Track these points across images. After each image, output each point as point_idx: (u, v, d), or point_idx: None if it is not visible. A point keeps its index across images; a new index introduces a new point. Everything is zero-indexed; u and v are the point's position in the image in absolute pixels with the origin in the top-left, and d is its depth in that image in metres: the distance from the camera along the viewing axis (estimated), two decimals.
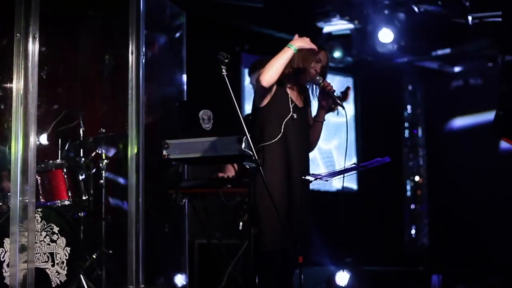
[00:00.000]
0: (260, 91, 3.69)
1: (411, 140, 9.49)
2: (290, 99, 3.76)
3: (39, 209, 4.38)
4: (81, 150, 5.39)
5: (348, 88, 3.92)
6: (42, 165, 4.70)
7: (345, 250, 6.04)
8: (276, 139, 3.70)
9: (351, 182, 8.81)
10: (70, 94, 5.98)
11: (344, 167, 3.66)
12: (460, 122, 8.95)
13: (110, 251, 5.31)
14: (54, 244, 4.42)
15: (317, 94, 3.87)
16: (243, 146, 3.88)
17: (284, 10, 7.21)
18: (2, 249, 4.15)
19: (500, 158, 8.19)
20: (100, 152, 5.42)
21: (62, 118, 5.61)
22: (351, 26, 7.68)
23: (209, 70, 3.89)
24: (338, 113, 3.83)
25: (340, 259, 5.99)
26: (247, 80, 7.03)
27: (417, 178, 9.38)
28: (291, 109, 3.75)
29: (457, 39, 7.93)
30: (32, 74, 3.78)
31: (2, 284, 4.07)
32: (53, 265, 4.40)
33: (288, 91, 3.79)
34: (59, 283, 4.38)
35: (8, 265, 4.06)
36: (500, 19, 6.94)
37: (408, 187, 9.37)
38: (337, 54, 7.76)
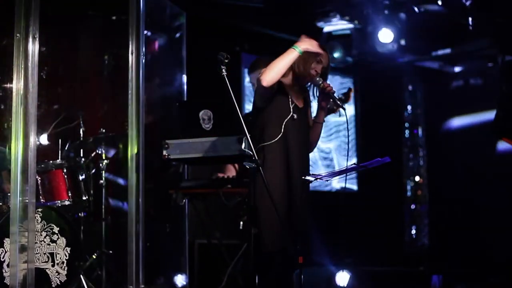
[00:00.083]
0: (260, 90, 3.69)
1: (411, 140, 9.49)
2: (290, 100, 3.76)
3: (39, 209, 4.38)
4: (81, 150, 5.39)
5: (350, 89, 3.91)
6: (42, 165, 4.70)
7: (345, 250, 6.03)
8: (276, 139, 3.70)
9: (351, 182, 8.81)
10: (70, 94, 5.98)
11: (345, 167, 3.66)
12: (460, 122, 8.95)
13: (110, 251, 5.31)
14: (54, 244, 4.42)
15: (317, 95, 3.86)
16: (243, 146, 3.88)
17: (284, 10, 7.21)
18: (2, 249, 4.15)
19: (500, 158, 8.19)
20: (100, 152, 5.42)
21: (62, 119, 5.62)
22: (351, 26, 7.68)
23: (209, 70, 3.88)
24: (340, 115, 3.82)
25: (340, 259, 5.99)
26: (247, 80, 7.03)
27: (417, 178, 9.38)
28: (291, 110, 3.75)
29: (457, 39, 7.93)
30: (32, 74, 3.78)
31: (2, 284, 4.07)
32: (53, 265, 4.40)
33: (289, 91, 3.79)
34: (59, 283, 4.38)
35: (8, 265, 4.06)
36: (500, 19, 6.94)
37: (408, 187, 9.37)
38: (337, 54, 7.76)
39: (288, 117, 3.73)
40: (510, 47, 7.30)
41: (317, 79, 3.77)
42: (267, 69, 3.62)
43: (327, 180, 3.77)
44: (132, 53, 4.81)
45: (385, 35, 7.43)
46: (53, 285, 4.36)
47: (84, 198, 5.07)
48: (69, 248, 4.44)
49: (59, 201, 4.73)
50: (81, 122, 5.41)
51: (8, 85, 3.98)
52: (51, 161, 4.81)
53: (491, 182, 7.93)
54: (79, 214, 5.14)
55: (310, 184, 3.85)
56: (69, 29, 5.91)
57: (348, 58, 7.95)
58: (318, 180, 3.87)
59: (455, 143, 8.71)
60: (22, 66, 3.77)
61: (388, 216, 8.70)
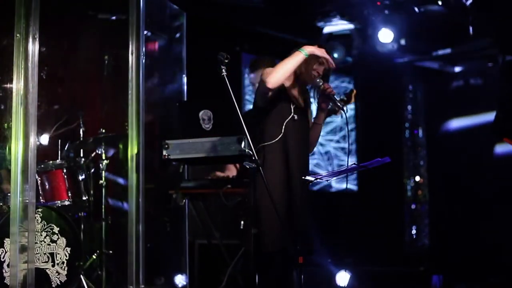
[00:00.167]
0: (263, 90, 3.68)
1: (412, 140, 9.49)
2: (291, 100, 3.76)
3: (39, 210, 4.38)
4: (81, 150, 5.39)
5: (352, 90, 3.90)
6: (42, 166, 4.70)
7: (346, 250, 6.03)
8: (276, 140, 3.70)
9: (351, 182, 8.81)
10: (70, 94, 5.98)
11: (345, 167, 3.66)
12: (460, 122, 8.95)
13: (110, 252, 5.30)
14: (54, 244, 4.42)
15: (318, 97, 3.86)
16: (243, 146, 3.88)
17: (284, 10, 7.21)
18: (3, 249, 4.15)
19: (500, 158, 8.19)
20: (100, 152, 5.41)
21: (62, 119, 5.62)
22: (351, 26, 7.68)
23: (209, 70, 3.88)
24: (342, 116, 3.82)
25: (341, 259, 5.99)
26: (247, 80, 7.03)
27: (417, 178, 9.38)
28: (292, 110, 3.75)
29: (457, 39, 7.93)
30: (32, 75, 3.78)
31: (3, 284, 4.07)
32: (53, 265, 4.40)
33: (290, 92, 3.79)
34: (59, 283, 4.38)
35: (8, 265, 4.06)
36: (500, 19, 6.94)
37: (409, 187, 9.37)
38: (337, 54, 7.75)
39: (289, 118, 3.74)
40: (510, 47, 7.29)
41: (318, 80, 3.77)
42: (272, 70, 3.62)
43: (327, 180, 3.77)
44: (132, 53, 4.81)
45: (385, 35, 7.43)
46: (53, 285, 4.36)
47: (84, 198, 5.07)
48: (69, 248, 4.44)
49: (59, 201, 4.74)
50: (81, 122, 5.41)
51: (8, 85, 3.98)
52: (51, 161, 4.81)
53: (492, 182, 7.93)
54: (79, 214, 5.14)
55: (312, 184, 3.85)
56: (69, 29, 5.91)
57: (348, 58, 7.95)
58: (317, 180, 3.87)
59: (455, 143, 8.70)
60: (22, 66, 3.77)
61: (388, 216, 8.70)
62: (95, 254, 5.25)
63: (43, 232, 4.38)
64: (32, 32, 3.79)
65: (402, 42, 7.67)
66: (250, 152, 3.47)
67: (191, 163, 4.99)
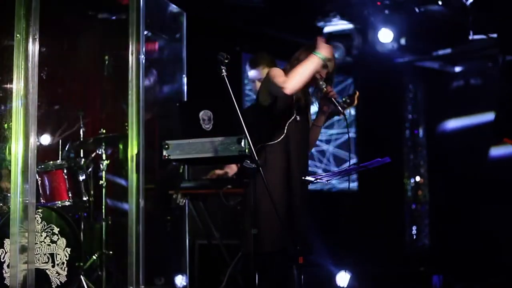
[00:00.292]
0: (271, 88, 3.66)
1: (412, 140, 9.49)
2: (294, 101, 3.75)
3: (39, 210, 4.38)
4: (81, 150, 5.39)
5: (355, 92, 3.89)
6: (42, 166, 4.70)
7: (346, 250, 6.03)
8: (278, 140, 3.70)
9: (351, 182, 8.81)
10: (70, 94, 5.98)
11: (346, 167, 3.66)
12: (460, 122, 8.95)
13: (111, 252, 5.30)
14: (55, 245, 4.42)
15: (319, 99, 3.86)
16: (243, 145, 3.87)
17: (284, 10, 7.20)
18: (3, 250, 4.15)
19: (500, 158, 8.19)
20: (100, 152, 5.41)
21: (62, 119, 5.62)
22: (351, 26, 7.68)
23: (209, 70, 3.88)
24: (344, 119, 3.81)
25: (341, 259, 5.99)
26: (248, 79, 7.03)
27: (417, 178, 9.38)
28: (295, 111, 3.75)
29: (458, 39, 7.93)
30: (32, 75, 3.78)
31: (3, 285, 4.07)
32: (53, 266, 4.40)
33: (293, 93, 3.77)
34: (59, 284, 4.38)
35: (8, 266, 4.06)
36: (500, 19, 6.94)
37: (409, 187, 9.37)
38: (337, 54, 7.75)
39: (291, 119, 3.73)
40: (510, 47, 7.29)
41: (321, 83, 3.75)
42: (290, 77, 3.58)
43: (327, 181, 3.77)
44: (132, 53, 4.81)
45: (385, 35, 7.43)
46: (53, 286, 4.36)
47: (84, 198, 5.07)
48: (69, 249, 4.44)
49: (59, 202, 4.74)
50: (81, 122, 5.41)
51: (8, 86, 3.97)
52: (51, 162, 4.81)
53: (492, 182, 7.93)
54: (79, 214, 5.14)
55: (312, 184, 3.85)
56: (69, 29, 5.91)
57: (348, 58, 7.95)
58: (317, 180, 3.87)
59: (455, 143, 8.71)
60: (22, 67, 3.77)
61: (389, 216, 8.70)
62: (95, 255, 5.25)
63: (43, 232, 4.38)
64: (32, 33, 3.79)
65: (402, 42, 7.67)
66: (250, 152, 3.47)
67: (191, 164, 4.99)
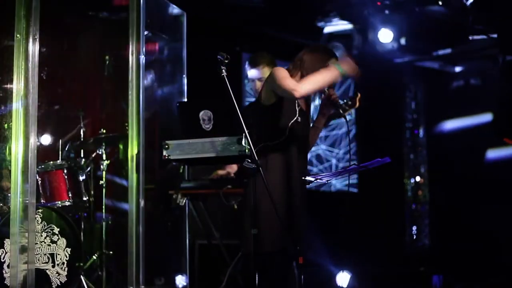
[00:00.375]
0: (276, 88, 3.65)
1: (412, 140, 9.49)
2: (297, 102, 3.75)
3: (40, 210, 4.38)
4: (82, 150, 5.40)
5: (356, 94, 3.88)
6: (43, 166, 4.71)
7: (346, 250, 6.03)
8: (279, 140, 3.70)
9: (351, 182, 8.80)
10: (71, 94, 5.98)
11: (346, 167, 3.66)
12: (460, 122, 8.95)
13: (111, 252, 5.30)
14: (55, 245, 4.42)
15: (321, 101, 3.85)
16: (243, 145, 3.87)
17: (284, 10, 7.21)
18: (3, 250, 4.15)
19: (500, 158, 8.19)
20: (100, 152, 5.41)
21: (62, 119, 5.63)
22: (351, 26, 7.68)
23: (209, 70, 3.88)
24: (346, 121, 3.82)
25: (341, 259, 5.99)
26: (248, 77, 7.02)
27: (417, 178, 9.38)
28: (297, 112, 3.74)
29: (458, 39, 7.93)
30: (32, 75, 3.78)
31: (3, 285, 4.07)
32: (53, 266, 4.40)
33: None
34: (59, 284, 4.38)
35: (8, 266, 4.06)
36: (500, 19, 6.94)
37: (409, 187, 9.37)
38: (337, 54, 7.74)
39: (293, 120, 3.73)
40: (510, 47, 7.29)
41: None
42: (305, 81, 3.57)
43: (327, 181, 3.77)
44: (132, 54, 4.81)
45: (385, 35, 7.43)
46: (54, 286, 4.36)
47: (84, 198, 5.07)
48: (70, 249, 4.44)
49: (59, 202, 4.74)
50: (82, 122, 5.42)
51: (9, 86, 3.98)
52: (51, 162, 4.81)
53: (492, 182, 7.93)
54: (80, 214, 5.14)
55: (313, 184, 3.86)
56: (69, 29, 5.91)
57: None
58: (317, 180, 3.87)
59: (455, 143, 8.71)
60: (23, 67, 3.77)
61: (389, 216, 8.70)
62: (95, 255, 5.25)
63: (43, 232, 4.38)
64: (33, 33, 3.79)
65: (402, 42, 7.67)
66: (251, 152, 3.47)
67: (191, 164, 4.98)
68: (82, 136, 5.40)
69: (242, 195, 4.01)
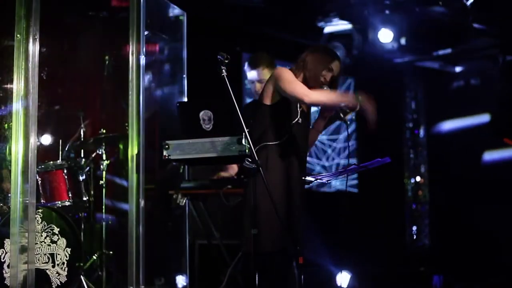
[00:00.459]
0: (282, 89, 3.65)
1: (412, 140, 9.49)
2: (298, 104, 3.75)
3: (40, 210, 4.38)
4: (82, 150, 5.39)
5: (357, 96, 3.89)
6: (43, 166, 4.70)
7: (346, 250, 6.03)
8: (280, 141, 3.70)
9: (351, 182, 8.81)
10: (71, 94, 5.98)
11: (346, 167, 3.67)
12: (461, 122, 8.95)
13: (111, 252, 5.30)
14: (55, 245, 4.42)
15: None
16: (243, 145, 3.87)
17: (284, 10, 7.20)
18: (3, 250, 4.15)
19: (499, 158, 8.19)
20: (100, 152, 5.41)
21: (63, 119, 5.63)
22: (351, 26, 7.68)
23: (209, 70, 3.88)
24: (347, 125, 3.83)
25: (341, 259, 5.99)
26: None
27: (418, 178, 9.38)
28: (299, 114, 3.75)
29: (458, 39, 7.93)
30: (32, 75, 3.78)
31: (3, 285, 4.07)
32: (53, 266, 4.40)
33: None
34: (59, 284, 4.38)
35: (8, 266, 4.06)
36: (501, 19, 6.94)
37: (409, 187, 9.37)
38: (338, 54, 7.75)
39: (295, 121, 3.73)
40: (510, 47, 7.29)
41: (325, 88, 3.75)
42: (318, 92, 3.64)
43: (327, 181, 3.77)
44: (132, 54, 4.81)
45: (385, 35, 7.43)
46: (54, 286, 4.36)
47: (84, 198, 5.07)
48: (70, 249, 4.44)
49: (59, 202, 4.74)
50: (82, 123, 5.42)
51: (9, 86, 3.98)
52: (51, 162, 4.81)
53: (492, 182, 7.93)
54: (80, 214, 5.14)
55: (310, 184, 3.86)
56: (69, 29, 5.91)
57: (348, 58, 7.95)
58: (317, 180, 3.88)
59: (456, 143, 8.70)
60: (23, 67, 3.77)
61: (389, 216, 8.70)
62: (95, 255, 5.25)
63: (43, 232, 4.38)
64: (33, 33, 3.79)
65: (402, 42, 7.67)
66: (250, 152, 3.47)
67: (191, 164, 4.98)
68: (82, 136, 5.40)
69: (242, 195, 4.01)
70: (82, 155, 5.34)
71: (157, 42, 5.85)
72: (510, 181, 7.67)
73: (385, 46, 7.54)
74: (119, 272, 5.21)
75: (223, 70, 3.45)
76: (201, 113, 4.05)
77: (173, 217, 5.59)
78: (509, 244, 7.53)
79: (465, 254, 7.87)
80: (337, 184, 8.49)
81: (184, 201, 5.24)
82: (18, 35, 3.78)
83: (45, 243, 4.39)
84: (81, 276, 4.57)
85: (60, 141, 5.04)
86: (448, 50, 8.39)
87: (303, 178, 3.77)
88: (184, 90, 5.84)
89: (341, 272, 5.65)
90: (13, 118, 3.75)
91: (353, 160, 8.39)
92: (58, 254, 4.41)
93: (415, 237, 9.21)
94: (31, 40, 3.79)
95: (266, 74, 4.46)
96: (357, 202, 8.51)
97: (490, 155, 8.30)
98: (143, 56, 4.84)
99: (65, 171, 4.81)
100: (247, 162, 3.46)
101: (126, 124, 4.86)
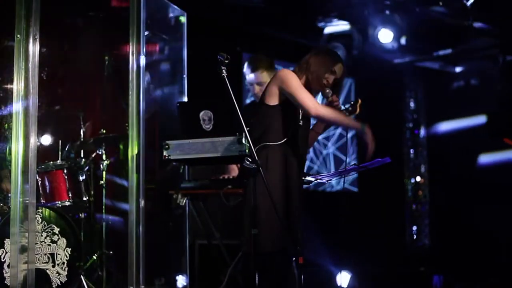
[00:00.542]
0: (288, 93, 3.66)
1: (412, 140, 9.49)
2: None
3: (40, 210, 4.38)
4: (82, 151, 5.39)
5: (357, 100, 3.89)
6: (43, 166, 4.71)
7: (346, 250, 6.03)
8: (281, 142, 3.70)
9: (351, 182, 8.81)
10: (71, 95, 5.98)
11: (346, 167, 3.67)
12: (461, 122, 8.95)
13: (111, 252, 5.30)
14: (55, 245, 4.42)
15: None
16: (243, 143, 3.87)
17: (284, 10, 7.20)
18: (3, 250, 4.15)
19: (499, 158, 8.19)
20: (100, 153, 5.41)
21: (63, 119, 5.63)
22: (351, 26, 7.68)
23: (209, 70, 3.88)
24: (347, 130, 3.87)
25: (341, 259, 5.99)
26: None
27: (418, 178, 9.38)
28: (300, 115, 3.75)
29: (458, 39, 7.93)
30: (32, 75, 3.78)
31: (3, 285, 4.08)
32: (53, 266, 4.40)
33: None
34: (59, 284, 4.38)
35: (8, 266, 4.06)
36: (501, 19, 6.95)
37: (409, 187, 9.37)
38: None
39: (296, 122, 3.73)
40: (510, 47, 7.29)
41: (327, 91, 3.76)
42: (327, 109, 3.68)
43: (327, 181, 3.78)
44: (132, 54, 4.81)
45: (385, 35, 7.43)
46: (54, 286, 4.36)
47: (84, 198, 5.07)
48: (70, 249, 4.44)
49: (59, 202, 4.74)
50: (82, 123, 5.42)
51: (9, 86, 3.98)
52: (51, 162, 4.81)
53: (492, 183, 7.93)
54: (80, 214, 5.14)
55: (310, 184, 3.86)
56: (69, 30, 5.91)
57: (348, 59, 7.95)
58: (318, 180, 3.88)
59: (456, 143, 8.71)
60: (23, 67, 3.77)
61: (389, 216, 8.70)
62: (95, 255, 5.25)
63: (43, 232, 4.39)
64: (33, 33, 3.80)
65: (402, 42, 7.67)
66: (250, 152, 3.47)
67: (191, 164, 4.99)
68: (82, 136, 5.40)
69: (242, 195, 4.01)
70: (82, 155, 5.34)
71: (157, 42, 5.85)
72: (510, 181, 7.67)
73: (385, 46, 7.54)
74: (119, 272, 5.21)
75: (223, 70, 3.45)
76: (201, 113, 4.05)
77: (173, 217, 5.59)
78: (509, 244, 7.53)
79: (465, 254, 7.87)
80: (336, 184, 8.49)
81: (184, 201, 5.24)
82: (18, 35, 3.79)
83: (45, 243, 4.39)
84: (81, 276, 4.57)
85: (60, 141, 5.04)
86: (448, 50, 8.40)
87: (303, 178, 3.77)
88: (184, 90, 5.83)
89: (341, 272, 5.65)
90: (13, 118, 3.76)
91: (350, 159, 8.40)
92: (58, 254, 4.42)
93: (415, 237, 9.22)
94: (31, 40, 3.79)
95: (265, 76, 4.47)
96: (357, 202, 8.51)
97: (489, 156, 8.30)
98: (143, 56, 4.84)
99: (65, 171, 4.81)
100: (247, 162, 3.46)
101: (126, 124, 4.85)
